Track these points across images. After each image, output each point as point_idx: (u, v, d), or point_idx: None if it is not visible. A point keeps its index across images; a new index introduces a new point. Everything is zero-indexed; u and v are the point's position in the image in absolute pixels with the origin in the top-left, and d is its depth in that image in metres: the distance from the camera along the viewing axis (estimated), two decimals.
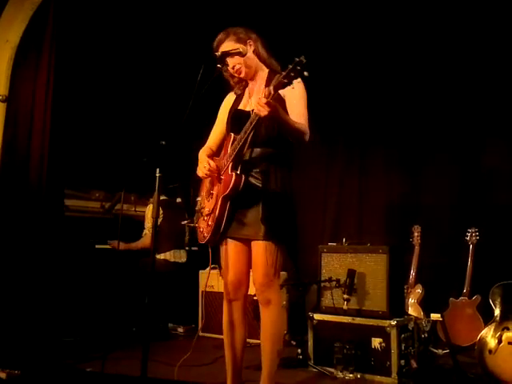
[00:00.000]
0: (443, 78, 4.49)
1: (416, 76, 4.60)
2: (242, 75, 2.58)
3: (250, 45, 2.56)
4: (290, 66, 2.02)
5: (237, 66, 2.55)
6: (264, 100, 2.12)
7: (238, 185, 2.37)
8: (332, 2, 4.77)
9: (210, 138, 2.77)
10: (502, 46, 4.18)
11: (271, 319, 2.47)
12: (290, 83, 2.05)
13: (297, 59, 2.01)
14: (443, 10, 4.40)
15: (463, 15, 4.32)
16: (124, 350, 3.65)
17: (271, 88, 2.11)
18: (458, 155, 4.46)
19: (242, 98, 2.66)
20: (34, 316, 3.73)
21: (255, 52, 2.58)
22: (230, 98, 2.74)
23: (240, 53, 2.53)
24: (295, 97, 2.44)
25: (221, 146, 2.66)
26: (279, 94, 2.23)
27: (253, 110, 2.31)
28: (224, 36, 2.56)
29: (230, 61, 2.54)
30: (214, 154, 2.67)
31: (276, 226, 2.40)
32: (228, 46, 2.52)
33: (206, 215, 2.53)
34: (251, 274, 2.55)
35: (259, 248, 2.41)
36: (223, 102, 2.78)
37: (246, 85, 2.67)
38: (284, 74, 2.04)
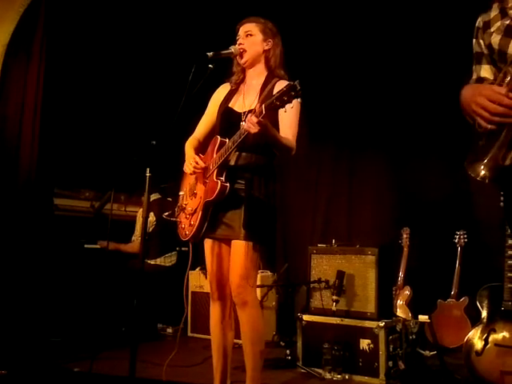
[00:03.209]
0: (435, 84, 4.51)
1: (407, 80, 4.63)
2: (243, 60, 2.58)
3: (268, 44, 2.58)
4: (284, 89, 2.04)
5: (243, 47, 2.56)
6: (255, 119, 2.15)
7: (223, 193, 2.39)
8: (322, 6, 4.80)
9: (197, 128, 2.77)
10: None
11: (249, 321, 2.47)
12: (282, 106, 2.08)
13: (291, 83, 2.04)
14: (431, 19, 4.44)
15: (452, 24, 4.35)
16: (112, 350, 3.64)
17: (263, 107, 2.12)
18: (446, 158, 4.49)
19: (235, 93, 2.65)
20: (21, 315, 3.71)
21: (266, 52, 2.59)
22: (222, 90, 2.72)
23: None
24: (288, 109, 2.46)
25: (208, 138, 2.67)
26: (285, 106, 2.25)
27: (245, 113, 2.33)
28: (256, 19, 2.62)
29: (243, 39, 2.57)
30: (201, 146, 2.67)
31: (257, 227, 2.42)
32: (252, 27, 2.57)
33: (189, 214, 2.54)
34: None
35: (238, 248, 2.43)
36: (215, 93, 2.75)
37: (242, 81, 2.67)
38: (277, 95, 2.07)
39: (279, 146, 2.42)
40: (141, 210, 4.60)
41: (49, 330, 3.92)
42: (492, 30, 1.65)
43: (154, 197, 4.52)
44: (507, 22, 1.60)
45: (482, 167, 1.56)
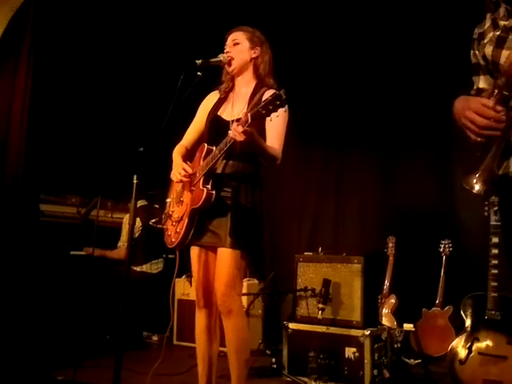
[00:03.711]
0: (421, 94, 4.56)
1: (393, 90, 4.68)
2: (231, 68, 2.59)
3: (255, 51, 2.60)
4: (269, 98, 2.06)
5: (231, 55, 2.57)
6: (241, 128, 2.15)
7: (209, 200, 2.39)
8: (306, 10, 4.85)
9: (185, 136, 2.77)
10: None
11: (234, 329, 2.46)
12: (267, 115, 2.09)
13: (277, 92, 2.05)
14: (418, 21, 4.50)
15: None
16: (97, 358, 3.60)
17: (249, 116, 2.13)
18: (432, 168, 4.54)
19: (225, 101, 2.66)
20: (5, 323, 3.67)
21: (255, 60, 2.61)
22: (211, 98, 2.73)
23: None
24: (275, 118, 2.47)
25: (195, 146, 2.67)
26: (271, 115, 2.26)
27: (233, 121, 2.34)
28: (244, 28, 2.65)
29: (230, 48, 2.59)
30: (189, 154, 2.67)
31: (243, 235, 2.42)
32: (238, 36, 2.61)
33: (175, 221, 2.54)
34: None
35: (224, 256, 2.42)
36: (204, 101, 2.76)
37: (232, 89, 2.68)
38: (262, 104, 2.08)
39: (265, 155, 2.42)
40: (127, 215, 4.58)
41: (33, 338, 3.88)
42: (485, 41, 1.67)
43: (140, 203, 4.50)
44: (498, 33, 1.62)
45: (475, 180, 1.57)
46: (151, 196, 4.71)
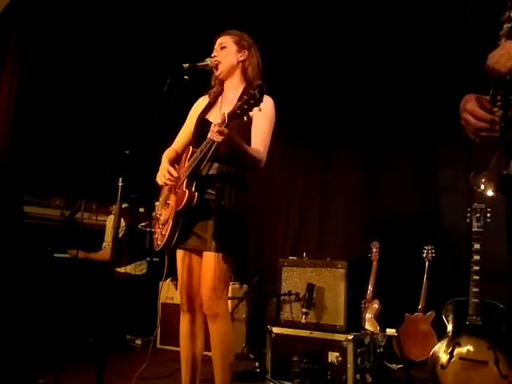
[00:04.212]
0: (406, 95, 4.61)
1: (379, 89, 4.73)
2: (218, 72, 2.60)
3: (243, 54, 2.61)
4: (245, 98, 2.06)
5: (218, 59, 2.58)
6: (216, 128, 2.15)
7: (191, 202, 2.38)
8: (293, 10, 4.89)
9: (176, 139, 2.78)
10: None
11: (219, 333, 2.46)
12: (243, 115, 2.10)
13: (251, 92, 2.05)
14: (405, 21, 4.56)
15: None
16: (80, 361, 3.58)
17: (225, 116, 2.13)
18: (416, 173, 4.59)
19: (214, 105, 2.67)
20: None
21: (242, 63, 2.61)
22: (201, 102, 2.75)
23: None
24: (261, 119, 2.47)
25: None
26: (248, 114, 2.27)
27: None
28: (231, 32, 2.66)
29: (217, 52, 2.60)
30: (179, 157, 2.67)
31: (227, 239, 2.42)
32: (226, 39, 2.62)
33: (162, 224, 2.54)
34: None
35: (209, 259, 2.42)
36: (194, 105, 2.78)
37: (221, 93, 2.69)
38: (238, 104, 2.09)
39: (246, 156, 2.40)
40: (110, 217, 4.60)
41: (14, 341, 3.84)
42: (502, 32, 1.61)
43: (123, 205, 4.49)
44: (510, 25, 1.57)
45: (483, 181, 1.56)
46: (133, 199, 4.70)
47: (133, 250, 4.55)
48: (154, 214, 2.71)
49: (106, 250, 4.50)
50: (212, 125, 2.20)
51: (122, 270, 4.52)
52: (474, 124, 1.52)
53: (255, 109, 2.08)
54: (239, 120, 2.17)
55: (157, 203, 2.72)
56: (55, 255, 4.38)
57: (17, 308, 3.90)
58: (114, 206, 4.57)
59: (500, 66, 1.49)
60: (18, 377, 3.30)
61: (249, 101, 2.05)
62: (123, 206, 4.47)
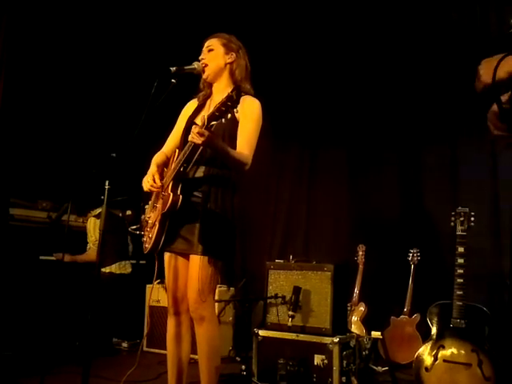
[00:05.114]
0: (391, 99, 4.66)
1: (365, 93, 4.77)
2: (205, 74, 2.59)
3: (230, 57, 2.61)
4: (223, 100, 2.08)
5: (205, 61, 2.58)
6: (197, 129, 2.15)
7: (175, 205, 2.38)
8: (282, 10, 4.92)
9: (166, 143, 2.77)
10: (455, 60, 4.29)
11: (206, 336, 2.46)
12: (221, 117, 2.11)
13: (229, 94, 2.07)
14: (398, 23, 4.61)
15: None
16: (66, 365, 3.56)
17: (205, 118, 2.14)
18: (401, 177, 4.63)
19: (203, 108, 2.67)
20: None
21: (230, 65, 2.61)
22: (191, 106, 2.75)
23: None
24: (248, 121, 2.48)
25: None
26: (234, 115, 2.27)
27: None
28: (219, 34, 2.65)
29: (204, 54, 2.60)
30: (169, 160, 2.67)
31: (214, 242, 2.43)
32: (213, 42, 2.62)
33: (150, 227, 2.54)
34: None
35: (195, 262, 2.43)
36: (184, 109, 2.78)
37: (209, 96, 2.69)
38: (217, 106, 2.10)
39: (229, 159, 2.40)
40: (91, 219, 4.59)
41: (1, 344, 3.81)
42: None
43: (98, 210, 4.51)
44: None
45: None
46: (113, 203, 4.67)
47: (115, 250, 4.54)
48: (142, 217, 2.71)
49: (91, 251, 4.50)
50: (193, 127, 2.21)
51: (106, 269, 4.51)
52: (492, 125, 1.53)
53: (235, 110, 2.11)
54: (226, 122, 2.19)
55: (146, 206, 2.72)
56: (41, 258, 4.36)
57: (3, 311, 3.87)
58: (92, 211, 4.59)
59: None
60: (6, 381, 3.28)
61: (226, 103, 2.06)
62: (98, 211, 4.48)
